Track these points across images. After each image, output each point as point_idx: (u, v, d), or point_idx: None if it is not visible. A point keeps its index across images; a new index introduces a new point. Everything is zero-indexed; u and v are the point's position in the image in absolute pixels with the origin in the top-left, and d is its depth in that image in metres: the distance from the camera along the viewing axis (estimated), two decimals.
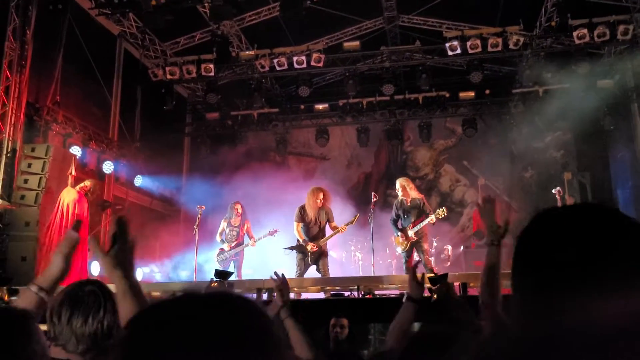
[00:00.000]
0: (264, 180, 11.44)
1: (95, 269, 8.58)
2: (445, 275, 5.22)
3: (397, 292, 6.09)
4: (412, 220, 7.32)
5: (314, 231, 7.37)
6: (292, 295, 6.31)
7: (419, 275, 2.80)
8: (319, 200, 7.38)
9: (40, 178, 7.62)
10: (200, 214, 8.17)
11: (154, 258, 10.72)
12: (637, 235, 0.76)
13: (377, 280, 6.40)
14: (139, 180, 10.75)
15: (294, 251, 7.45)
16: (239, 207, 8.44)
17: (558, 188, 7.89)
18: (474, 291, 5.74)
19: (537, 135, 12.66)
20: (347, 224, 7.37)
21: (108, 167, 9.73)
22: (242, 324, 0.70)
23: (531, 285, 0.80)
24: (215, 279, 5.39)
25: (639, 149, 11.06)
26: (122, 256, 1.49)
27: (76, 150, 8.77)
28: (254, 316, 0.73)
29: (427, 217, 7.28)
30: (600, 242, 0.76)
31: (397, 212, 7.47)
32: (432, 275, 5.40)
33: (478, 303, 2.29)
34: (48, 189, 7.75)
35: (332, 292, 6.31)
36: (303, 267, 7.28)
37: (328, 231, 7.45)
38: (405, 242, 7.31)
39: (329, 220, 7.43)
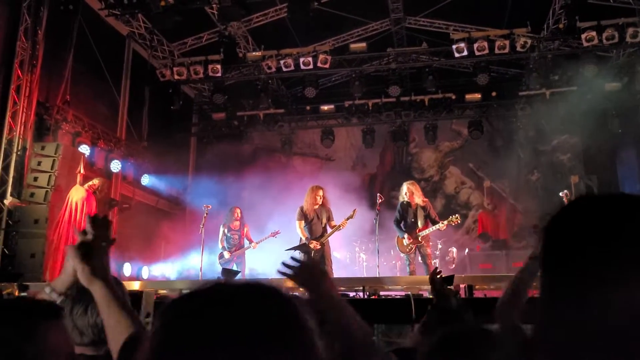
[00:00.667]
0: (269, 180, 11.50)
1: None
2: (451, 277, 5.25)
3: (403, 293, 6.11)
4: (419, 224, 7.34)
5: (316, 229, 7.42)
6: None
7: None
8: (318, 197, 7.45)
9: (50, 176, 7.70)
10: (206, 213, 8.24)
11: (159, 257, 10.79)
12: None
13: (382, 281, 6.43)
14: (145, 179, 10.83)
15: (297, 251, 7.48)
16: (238, 211, 8.59)
17: (565, 191, 7.89)
18: (479, 293, 5.77)
19: (543, 138, 12.65)
20: (347, 219, 7.41)
21: (116, 165, 9.81)
22: (276, 312, 0.71)
23: (564, 285, 0.75)
24: (221, 278, 5.44)
25: None
26: (100, 262, 1.38)
27: (85, 149, 8.85)
28: (288, 305, 0.73)
29: (432, 222, 7.31)
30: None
31: (402, 214, 7.47)
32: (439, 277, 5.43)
33: (496, 305, 2.27)
34: (57, 187, 7.83)
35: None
36: None
37: (329, 230, 7.50)
38: (411, 245, 7.33)
39: (329, 219, 7.48)
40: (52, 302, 1.35)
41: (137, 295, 5.82)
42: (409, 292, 5.65)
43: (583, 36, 9.77)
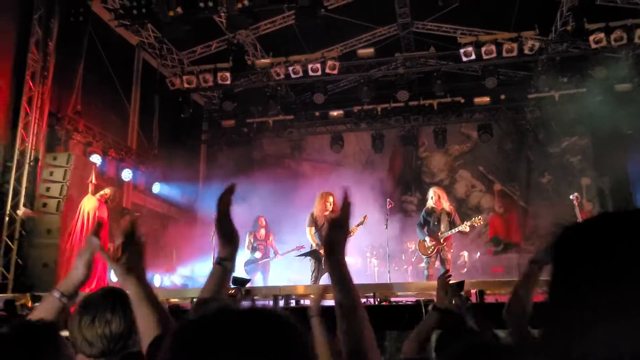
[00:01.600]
0: (280, 186, 11.53)
1: (115, 276, 8.70)
2: (462, 283, 5.22)
3: (414, 299, 6.09)
4: (442, 228, 7.36)
5: None
6: (306, 302, 6.36)
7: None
8: (329, 204, 7.41)
9: (62, 186, 7.78)
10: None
11: (172, 265, 10.84)
12: None
13: (393, 288, 6.41)
14: (156, 188, 10.90)
15: (308, 257, 7.47)
16: (263, 220, 8.75)
17: (575, 194, 7.84)
18: (491, 298, 5.73)
19: (553, 140, 12.57)
20: (358, 225, 7.38)
21: (127, 174, 9.90)
22: (280, 339, 0.74)
23: (578, 300, 0.74)
24: (232, 286, 5.45)
25: None
26: (135, 261, 1.45)
27: (96, 159, 8.94)
28: (292, 332, 0.76)
29: (456, 226, 7.32)
30: None
31: (426, 218, 7.52)
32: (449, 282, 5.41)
33: (502, 312, 2.27)
34: (69, 196, 7.90)
35: None
36: (318, 272, 7.29)
37: None
38: (432, 247, 7.34)
39: None
40: (49, 322, 1.36)
41: None
42: (420, 298, 5.63)
43: (591, 38, 9.72)
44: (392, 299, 6.19)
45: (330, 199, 7.46)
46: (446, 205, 7.47)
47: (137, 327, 1.45)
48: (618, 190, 11.67)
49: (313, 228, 7.45)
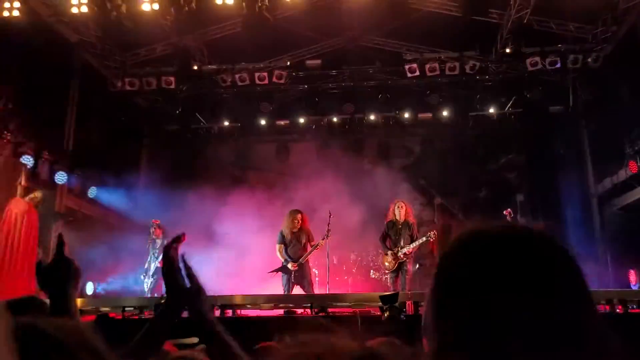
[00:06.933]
0: (222, 195, 11.35)
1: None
2: (396, 295, 5.31)
3: (350, 310, 6.14)
4: (402, 242, 7.61)
5: (295, 251, 7.65)
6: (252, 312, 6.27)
7: None
8: (296, 221, 7.67)
9: None
10: (153, 228, 8.08)
11: (106, 272, 10.43)
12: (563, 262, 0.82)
13: (330, 299, 6.43)
14: (93, 192, 10.48)
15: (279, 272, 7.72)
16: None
17: (508, 209, 8.18)
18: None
19: (491, 157, 13.07)
20: (323, 239, 7.67)
21: (61, 177, 9.45)
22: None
23: (451, 312, 0.82)
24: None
25: (587, 172, 11.59)
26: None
27: (27, 160, 8.50)
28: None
29: (411, 240, 7.62)
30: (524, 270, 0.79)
31: (387, 232, 7.80)
32: (384, 294, 5.49)
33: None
34: None
35: (285, 310, 6.32)
36: (289, 287, 7.53)
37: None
38: (394, 262, 7.61)
39: (309, 239, 7.67)
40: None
41: None
42: (356, 309, 5.68)
43: (528, 61, 10.23)
44: (329, 310, 6.21)
45: (298, 216, 7.72)
46: (407, 217, 7.72)
47: None
48: (549, 206, 12.27)
49: (282, 245, 7.74)
